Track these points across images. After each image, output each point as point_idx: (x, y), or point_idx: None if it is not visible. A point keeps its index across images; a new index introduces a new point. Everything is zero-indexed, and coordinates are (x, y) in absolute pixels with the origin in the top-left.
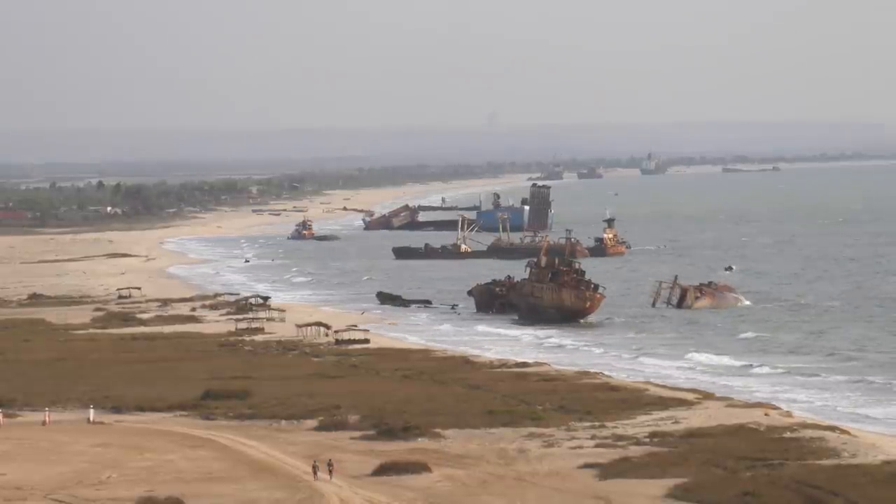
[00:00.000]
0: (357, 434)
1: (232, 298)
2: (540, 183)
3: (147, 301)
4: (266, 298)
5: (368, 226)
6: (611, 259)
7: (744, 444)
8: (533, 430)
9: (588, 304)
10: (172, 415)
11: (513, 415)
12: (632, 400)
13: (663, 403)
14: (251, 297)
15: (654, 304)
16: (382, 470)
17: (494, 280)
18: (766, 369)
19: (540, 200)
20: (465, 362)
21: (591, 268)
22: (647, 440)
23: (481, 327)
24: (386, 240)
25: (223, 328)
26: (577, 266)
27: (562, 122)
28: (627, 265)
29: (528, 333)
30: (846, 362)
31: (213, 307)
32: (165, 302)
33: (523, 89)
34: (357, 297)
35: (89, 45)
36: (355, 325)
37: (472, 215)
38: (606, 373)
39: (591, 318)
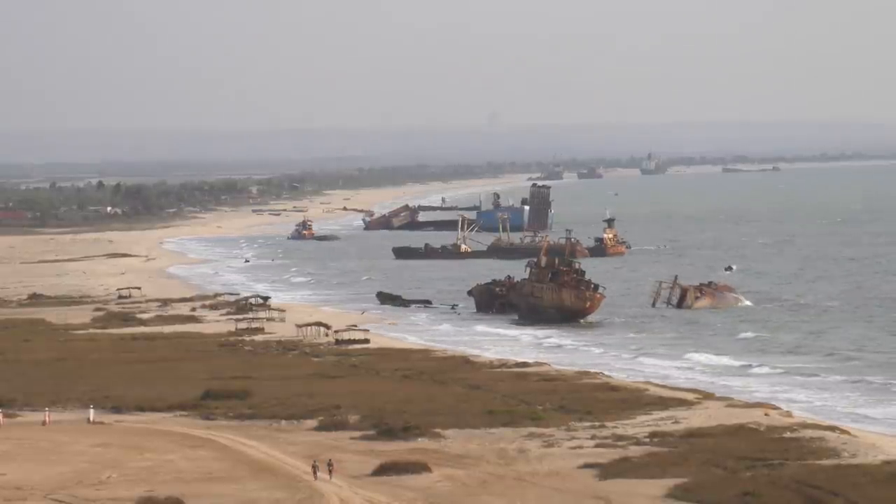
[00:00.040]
0: (357, 434)
1: (232, 298)
2: (540, 183)
3: (147, 301)
4: (266, 298)
5: (368, 226)
6: (611, 259)
7: (744, 444)
8: (533, 430)
9: (588, 304)
10: (172, 415)
11: (513, 415)
12: (632, 400)
13: (663, 403)
14: (251, 297)
15: (654, 304)
16: (382, 470)
17: (494, 280)
18: (765, 369)
19: (540, 200)
20: (465, 362)
21: (591, 268)
22: (647, 440)
23: (481, 327)
24: (386, 240)
25: (223, 328)
26: (577, 266)
27: (562, 122)
28: (627, 265)
29: (527, 333)
30: (845, 362)
31: (213, 307)
32: (165, 302)
33: (523, 89)
34: (357, 297)
35: (90, 45)
36: (355, 325)
37: (472, 215)
38: (606, 373)
39: (591, 318)
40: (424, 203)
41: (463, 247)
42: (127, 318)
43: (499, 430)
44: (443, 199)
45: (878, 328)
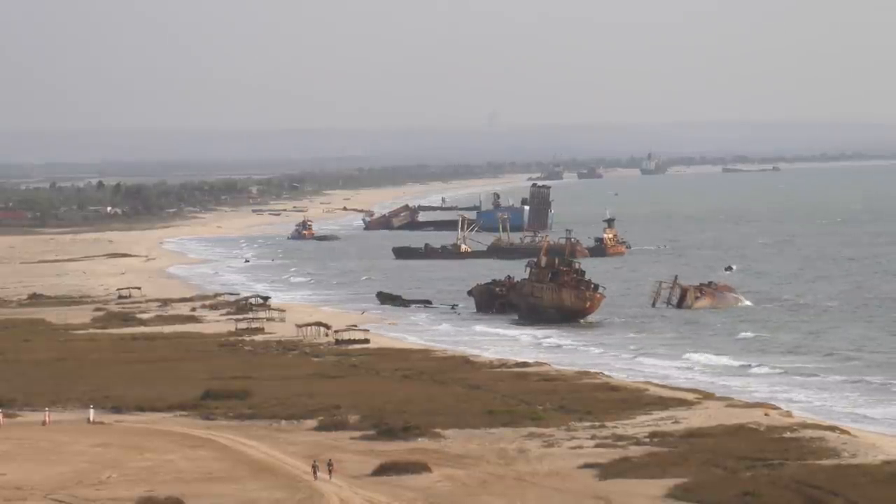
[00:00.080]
0: (357, 434)
1: (232, 298)
2: (540, 183)
3: (147, 301)
4: (266, 298)
5: (368, 226)
6: (611, 259)
7: (744, 444)
8: (533, 430)
9: (588, 304)
10: (172, 415)
11: (513, 415)
12: (632, 400)
13: (663, 403)
14: (251, 297)
15: (654, 304)
16: (382, 470)
17: (494, 280)
18: (764, 369)
19: (540, 200)
20: (465, 362)
21: (591, 268)
22: (647, 440)
23: (480, 327)
24: (386, 240)
25: (223, 328)
26: (577, 266)
27: (562, 122)
28: (627, 265)
29: (526, 333)
30: (845, 362)
31: (213, 307)
32: (165, 302)
33: (523, 89)
34: (357, 297)
35: (89, 45)
36: (355, 325)
37: (472, 215)
38: (606, 373)
39: (591, 318)
40: (424, 203)
41: (463, 247)
42: (127, 318)
43: (499, 430)
44: (443, 199)
45: (878, 328)
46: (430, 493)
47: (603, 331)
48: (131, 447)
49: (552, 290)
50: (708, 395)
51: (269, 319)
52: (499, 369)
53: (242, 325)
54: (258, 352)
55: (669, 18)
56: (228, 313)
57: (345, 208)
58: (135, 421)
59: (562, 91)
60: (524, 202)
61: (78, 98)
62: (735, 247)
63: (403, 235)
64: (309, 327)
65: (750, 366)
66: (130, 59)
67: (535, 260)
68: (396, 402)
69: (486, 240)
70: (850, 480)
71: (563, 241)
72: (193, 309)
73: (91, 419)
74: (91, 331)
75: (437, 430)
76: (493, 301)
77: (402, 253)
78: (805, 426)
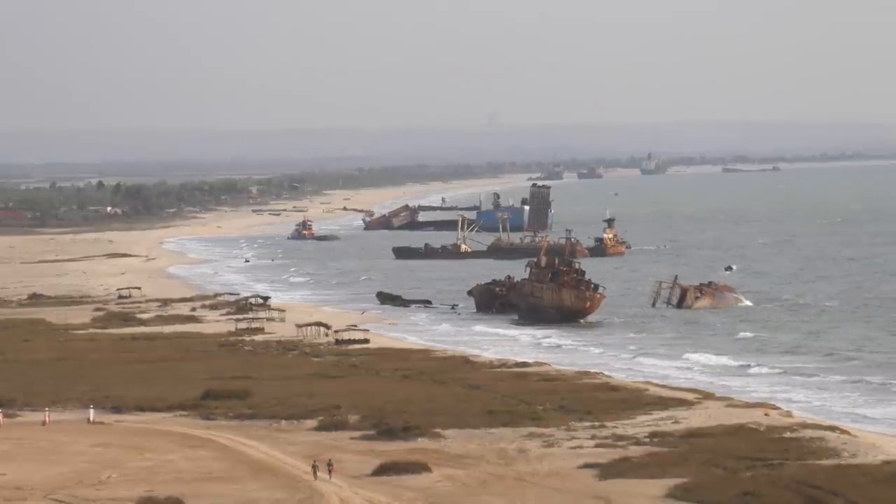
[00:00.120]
0: (357, 434)
1: (232, 298)
2: (540, 183)
3: (147, 301)
4: (266, 298)
5: (368, 226)
6: (611, 259)
7: (744, 444)
8: (533, 430)
9: (588, 304)
10: (172, 415)
11: (513, 415)
12: (632, 400)
13: (663, 403)
14: (251, 297)
15: (653, 304)
16: (382, 470)
17: (494, 280)
18: (764, 369)
19: (540, 200)
20: (465, 362)
21: (591, 268)
22: (647, 440)
23: (480, 327)
24: (386, 240)
25: (223, 328)
26: (577, 266)
27: (562, 122)
28: (627, 265)
29: (526, 333)
30: (845, 362)
31: (213, 307)
32: (165, 302)
33: (523, 89)
34: (357, 297)
35: (89, 45)
36: (355, 325)
37: (472, 215)
38: (605, 373)
39: (591, 318)
40: (424, 203)
41: (463, 247)
42: (127, 318)
43: (499, 430)
44: (443, 199)
45: (878, 328)
46: (430, 493)
47: (603, 331)
48: (131, 447)
49: (552, 290)
50: (708, 395)
51: (269, 319)
52: (499, 369)
53: (242, 325)
54: (258, 352)
55: (669, 18)
56: (228, 313)
57: (345, 208)
58: (135, 421)
59: (562, 91)
60: (524, 202)
61: (78, 98)
62: (735, 247)
63: (403, 235)
64: (309, 327)
65: (749, 366)
66: (130, 59)
67: (535, 260)
68: (396, 402)
69: (486, 240)
70: (850, 480)
71: (563, 241)
72: (193, 309)
73: (91, 419)
74: (91, 331)
75: (437, 430)
76: (493, 301)
77: (402, 253)
78: (805, 426)
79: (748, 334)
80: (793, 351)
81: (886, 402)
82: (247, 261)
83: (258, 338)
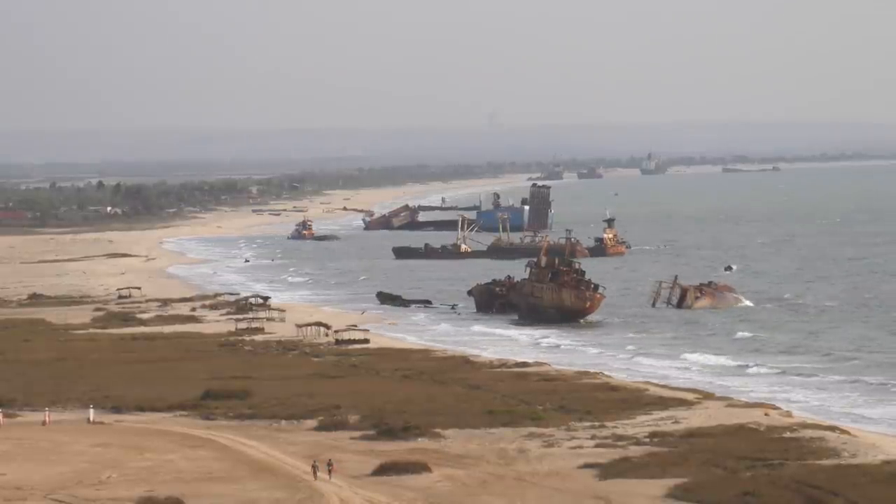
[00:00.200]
0: (357, 434)
1: (232, 298)
2: (540, 183)
3: (147, 301)
4: (266, 298)
5: (368, 226)
6: (611, 259)
7: (744, 444)
8: (533, 430)
9: (588, 304)
10: (172, 415)
11: (513, 415)
12: (632, 400)
13: (663, 403)
14: (251, 297)
15: (653, 304)
16: (382, 470)
17: (494, 280)
18: (763, 369)
19: (540, 200)
20: (465, 362)
21: (591, 268)
22: (647, 440)
23: (480, 327)
24: (386, 240)
25: (223, 328)
26: (577, 266)
27: (562, 122)
28: (627, 265)
29: (525, 333)
30: (844, 362)
31: (213, 307)
32: (165, 302)
33: (523, 89)
34: (357, 297)
35: (89, 45)
36: (355, 325)
37: (472, 215)
38: (605, 373)
39: (591, 318)
40: (424, 203)
41: (463, 247)
42: (127, 318)
43: (499, 430)
44: (443, 199)
45: (877, 328)
46: (430, 493)
47: (602, 331)
48: (131, 447)
49: (552, 290)
50: (708, 395)
51: (269, 319)
52: (499, 369)
53: (242, 325)
54: (258, 352)
55: (669, 18)
56: (228, 313)
57: (345, 208)
58: (135, 421)
59: (562, 91)
60: (524, 202)
61: (78, 98)
62: (735, 247)
63: (403, 235)
64: (309, 327)
65: (748, 366)
66: (130, 58)
67: (535, 260)
68: (396, 402)
69: (486, 240)
70: (850, 480)
71: (563, 241)
72: (193, 309)
73: (91, 419)
74: (91, 331)
75: (437, 430)
76: (493, 301)
77: (402, 253)
78: (805, 426)
79: (746, 334)
80: (792, 351)
81: (886, 402)
82: (247, 261)
83: (258, 338)
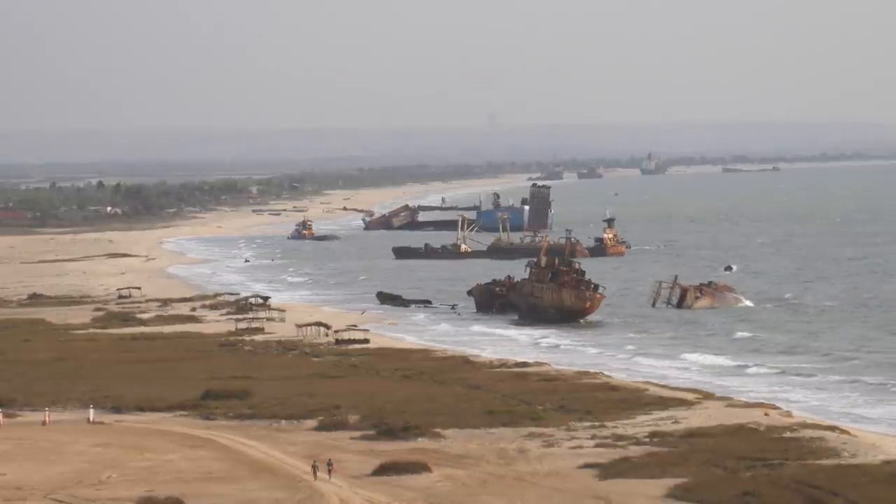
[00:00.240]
0: (357, 434)
1: (232, 298)
2: (540, 183)
3: (147, 301)
4: (266, 298)
5: (368, 226)
6: (611, 259)
7: (744, 444)
8: (533, 430)
9: (588, 304)
10: (172, 415)
11: (513, 415)
12: (632, 400)
13: (663, 403)
14: (251, 297)
15: (653, 304)
16: (382, 470)
17: (494, 280)
18: (763, 369)
19: (540, 200)
20: (465, 362)
21: (591, 268)
22: (647, 440)
23: (478, 327)
24: (386, 240)
25: (223, 328)
26: (577, 266)
27: (562, 122)
28: (627, 265)
29: (525, 333)
30: (843, 362)
31: (212, 307)
32: (165, 302)
33: (523, 89)
34: (357, 297)
35: (89, 45)
36: (355, 325)
37: (472, 215)
38: (605, 373)
39: (591, 318)
40: (424, 203)
41: (463, 247)
42: (127, 318)
43: (499, 430)
44: (443, 199)
45: (877, 328)
46: (430, 493)
47: (601, 331)
48: (131, 447)
49: (552, 290)
50: (708, 395)
51: (269, 319)
52: (499, 369)
53: (242, 325)
54: (258, 352)
55: (669, 18)
56: (228, 313)
57: (345, 208)
58: (135, 421)
59: (562, 91)
60: (524, 202)
61: (78, 98)
62: (735, 247)
63: (403, 235)
64: (309, 327)
65: (748, 366)
66: (130, 59)
67: (535, 260)
68: (396, 402)
69: (486, 240)
70: (850, 480)
71: (563, 241)
72: (193, 309)
73: (91, 419)
74: (91, 331)
75: (437, 430)
76: (493, 301)
77: (402, 253)
78: (805, 426)
79: (746, 334)
80: (791, 351)
81: (885, 402)
82: (246, 261)
83: (258, 338)
